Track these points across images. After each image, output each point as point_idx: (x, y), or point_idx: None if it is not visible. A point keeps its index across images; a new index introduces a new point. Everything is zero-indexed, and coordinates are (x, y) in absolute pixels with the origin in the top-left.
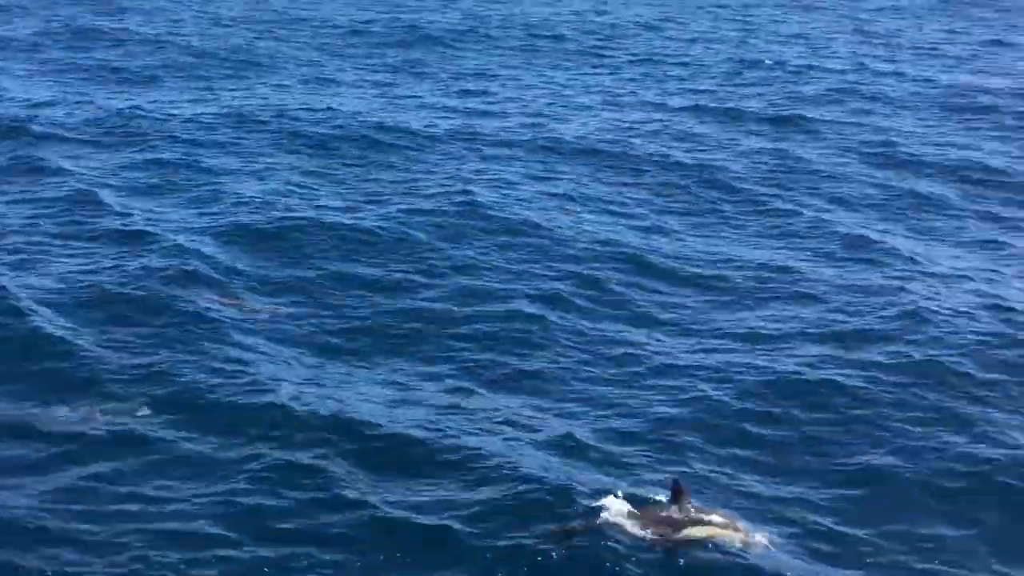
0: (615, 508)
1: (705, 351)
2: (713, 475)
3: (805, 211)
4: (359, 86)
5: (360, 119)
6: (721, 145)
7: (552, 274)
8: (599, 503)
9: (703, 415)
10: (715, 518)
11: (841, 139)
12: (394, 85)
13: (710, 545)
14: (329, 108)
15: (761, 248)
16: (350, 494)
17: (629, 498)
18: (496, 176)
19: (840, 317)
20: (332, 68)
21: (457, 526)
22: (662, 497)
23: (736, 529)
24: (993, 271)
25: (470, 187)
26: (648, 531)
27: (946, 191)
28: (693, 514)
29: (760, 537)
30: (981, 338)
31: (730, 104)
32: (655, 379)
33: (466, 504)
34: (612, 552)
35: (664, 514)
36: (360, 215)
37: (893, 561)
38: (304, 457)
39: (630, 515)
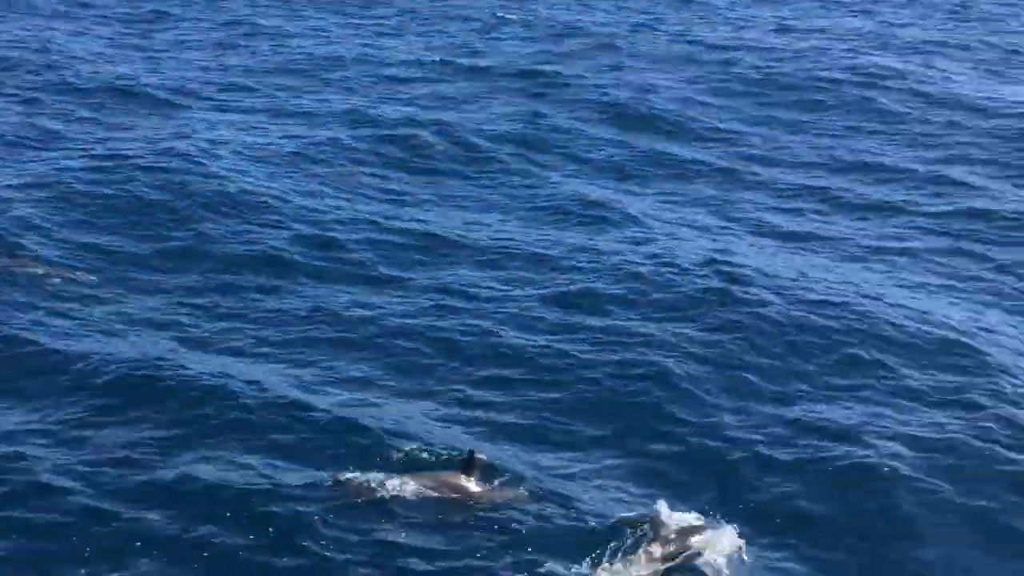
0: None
1: (437, 312)
2: (437, 438)
3: (548, 171)
4: (105, 38)
5: (101, 74)
6: (471, 103)
7: (286, 235)
8: (347, 474)
9: (430, 380)
10: (496, 485)
11: (590, 98)
12: (144, 37)
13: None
14: (67, 61)
15: (499, 209)
16: (59, 481)
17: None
18: (237, 137)
19: (569, 278)
20: (79, 19)
21: (175, 510)
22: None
23: (517, 494)
24: (723, 228)
25: (208, 149)
26: (433, 494)
27: (683, 149)
28: (477, 484)
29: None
30: (703, 298)
31: (485, 61)
32: (383, 340)
33: (194, 481)
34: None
35: (452, 482)
36: (88, 174)
37: (599, 511)
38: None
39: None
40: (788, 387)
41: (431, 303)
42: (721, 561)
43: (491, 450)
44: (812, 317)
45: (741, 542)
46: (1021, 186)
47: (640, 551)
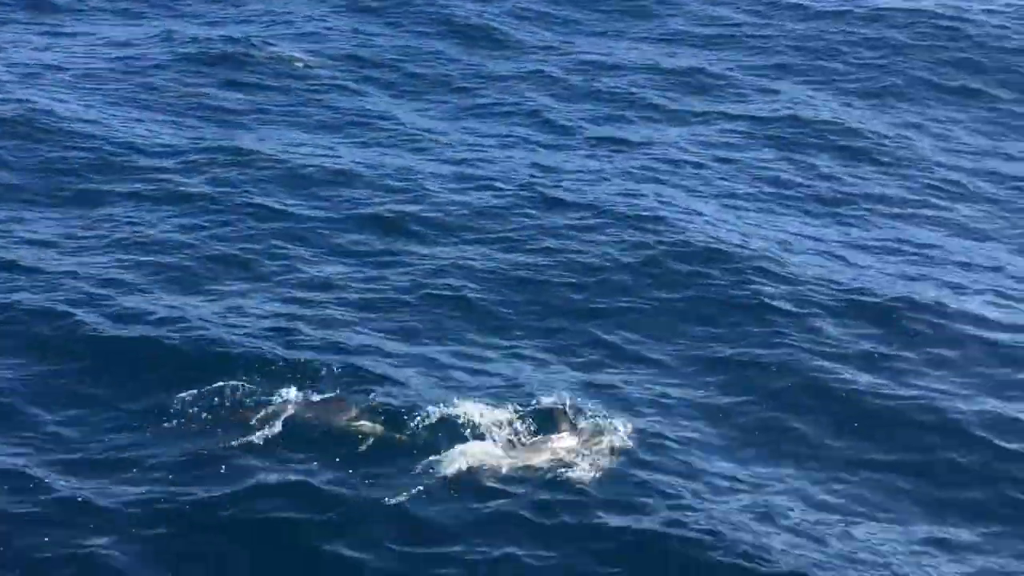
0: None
1: (249, 231)
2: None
3: (377, 89)
4: None
5: None
6: (302, 20)
7: (92, 158)
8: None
9: (244, 299)
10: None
11: (425, 11)
12: None
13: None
14: None
15: (324, 128)
16: None
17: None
18: (48, 59)
19: (386, 199)
20: None
21: None
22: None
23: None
24: (548, 142)
25: (20, 73)
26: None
27: (515, 62)
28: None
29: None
30: (521, 219)
31: None
32: (195, 263)
33: None
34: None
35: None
36: None
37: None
38: None
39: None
40: (596, 304)
41: (242, 223)
42: (613, 447)
43: (310, 367)
44: (629, 232)
45: (630, 430)
46: (845, 91)
47: (547, 439)
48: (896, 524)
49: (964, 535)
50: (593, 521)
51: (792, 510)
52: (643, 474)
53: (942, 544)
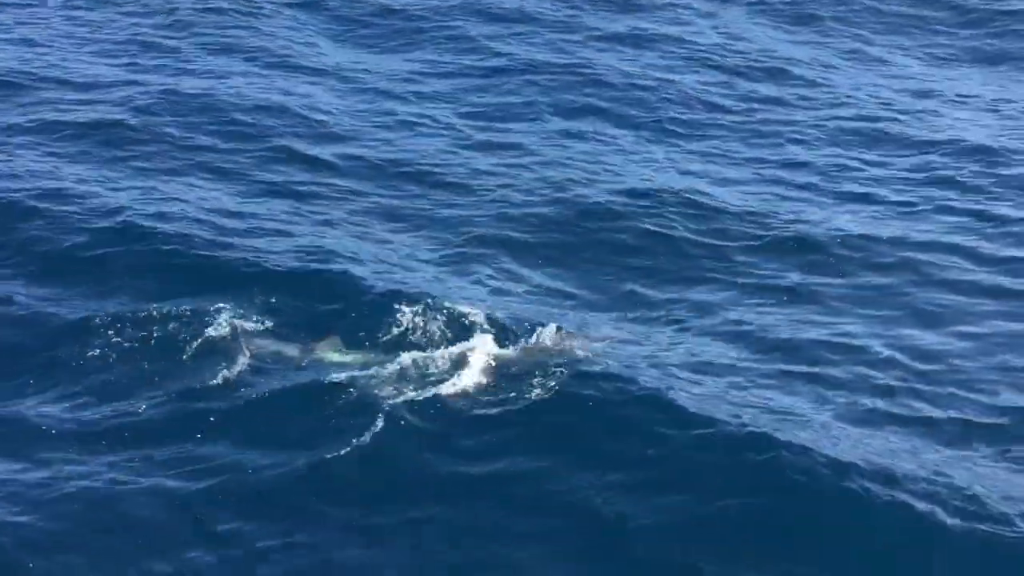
0: None
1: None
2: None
3: (302, 15)
4: None
5: None
6: None
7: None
8: None
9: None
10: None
11: None
12: None
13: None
14: None
15: (241, 57)
16: None
17: None
18: None
19: (288, 131)
20: None
21: None
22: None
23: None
24: (456, 69)
25: None
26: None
27: None
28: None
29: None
30: (378, 136)
31: None
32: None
33: None
34: None
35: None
36: None
37: None
38: None
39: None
40: (519, 237)
41: (167, 154)
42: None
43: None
44: (557, 167)
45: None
46: (784, 16)
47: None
48: (794, 416)
49: (853, 429)
50: (515, 467)
51: (708, 414)
52: (569, 404)
53: (843, 430)
